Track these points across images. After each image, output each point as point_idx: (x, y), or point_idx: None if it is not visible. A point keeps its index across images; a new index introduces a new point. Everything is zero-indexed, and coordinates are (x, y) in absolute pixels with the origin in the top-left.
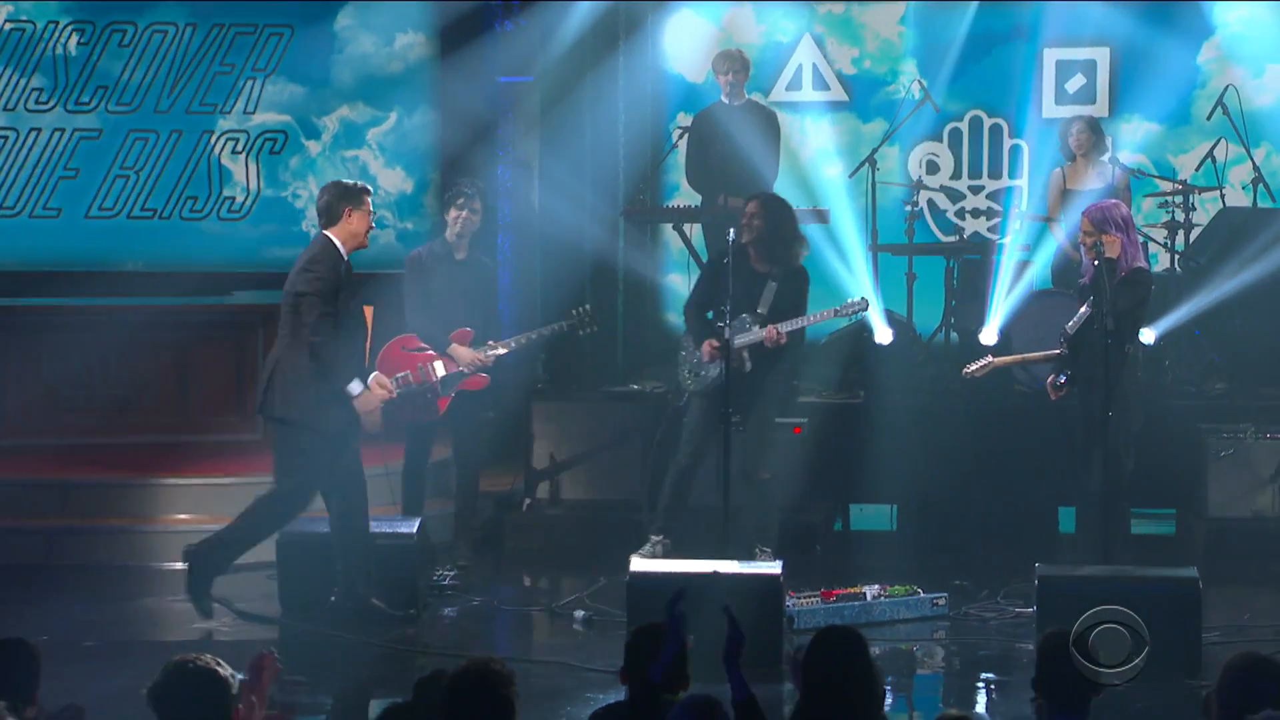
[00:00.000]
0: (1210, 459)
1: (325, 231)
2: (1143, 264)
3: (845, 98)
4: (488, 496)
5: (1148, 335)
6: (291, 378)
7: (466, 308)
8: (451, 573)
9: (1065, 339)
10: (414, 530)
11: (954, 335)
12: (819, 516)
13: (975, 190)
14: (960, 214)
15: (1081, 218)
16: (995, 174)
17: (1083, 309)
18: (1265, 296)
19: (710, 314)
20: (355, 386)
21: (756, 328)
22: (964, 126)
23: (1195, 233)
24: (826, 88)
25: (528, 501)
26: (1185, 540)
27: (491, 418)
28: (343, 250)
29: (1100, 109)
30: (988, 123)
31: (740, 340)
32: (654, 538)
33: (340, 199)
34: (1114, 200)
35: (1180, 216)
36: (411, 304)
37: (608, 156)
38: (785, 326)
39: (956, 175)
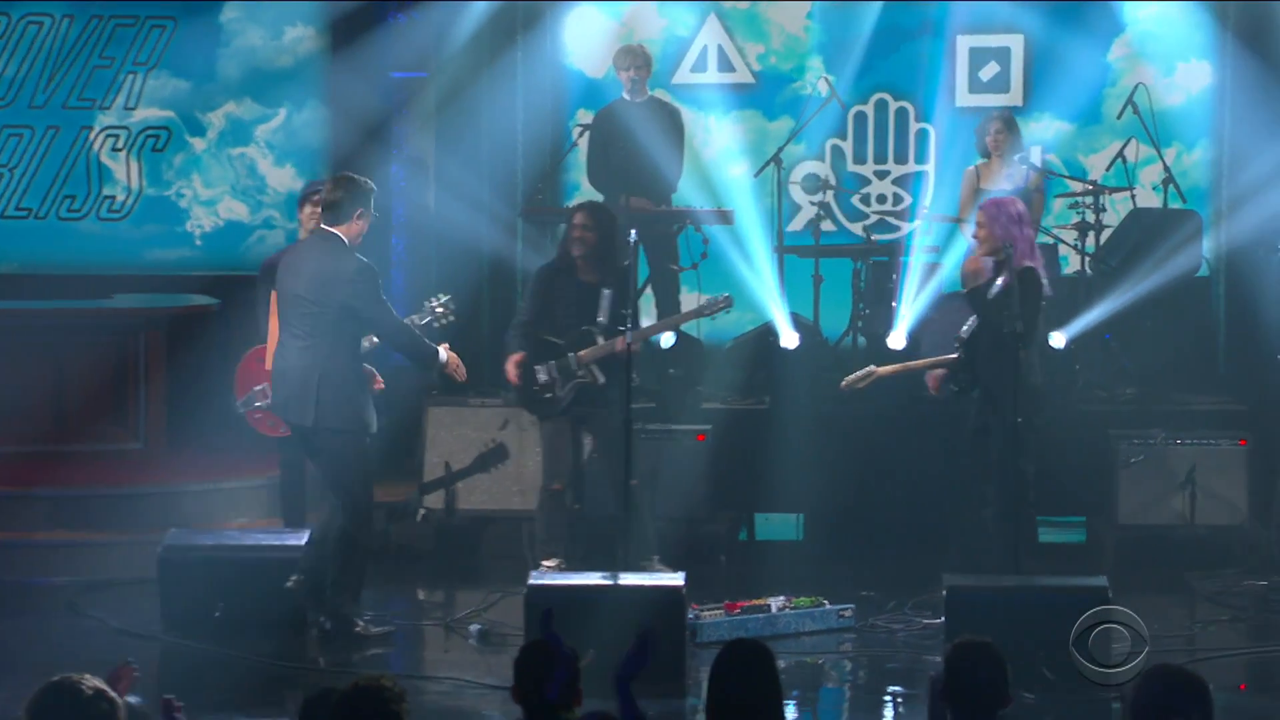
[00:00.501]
0: (1120, 466)
1: (334, 230)
2: (1032, 263)
3: (751, 80)
4: (379, 507)
5: (1058, 339)
6: (340, 386)
7: None
8: None
9: (960, 344)
10: (301, 542)
11: (861, 339)
12: (723, 526)
13: (881, 175)
14: (865, 200)
15: (977, 212)
16: (901, 159)
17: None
18: (1176, 300)
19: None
20: (443, 354)
21: (602, 339)
22: (869, 110)
23: (1106, 234)
24: (732, 69)
25: (421, 512)
26: (1095, 548)
27: (382, 423)
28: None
29: (1014, 98)
30: (893, 105)
31: (591, 354)
32: (546, 563)
33: (352, 200)
34: (1010, 198)
35: (1091, 218)
36: (263, 312)
37: (506, 154)
38: (644, 332)
39: (861, 160)
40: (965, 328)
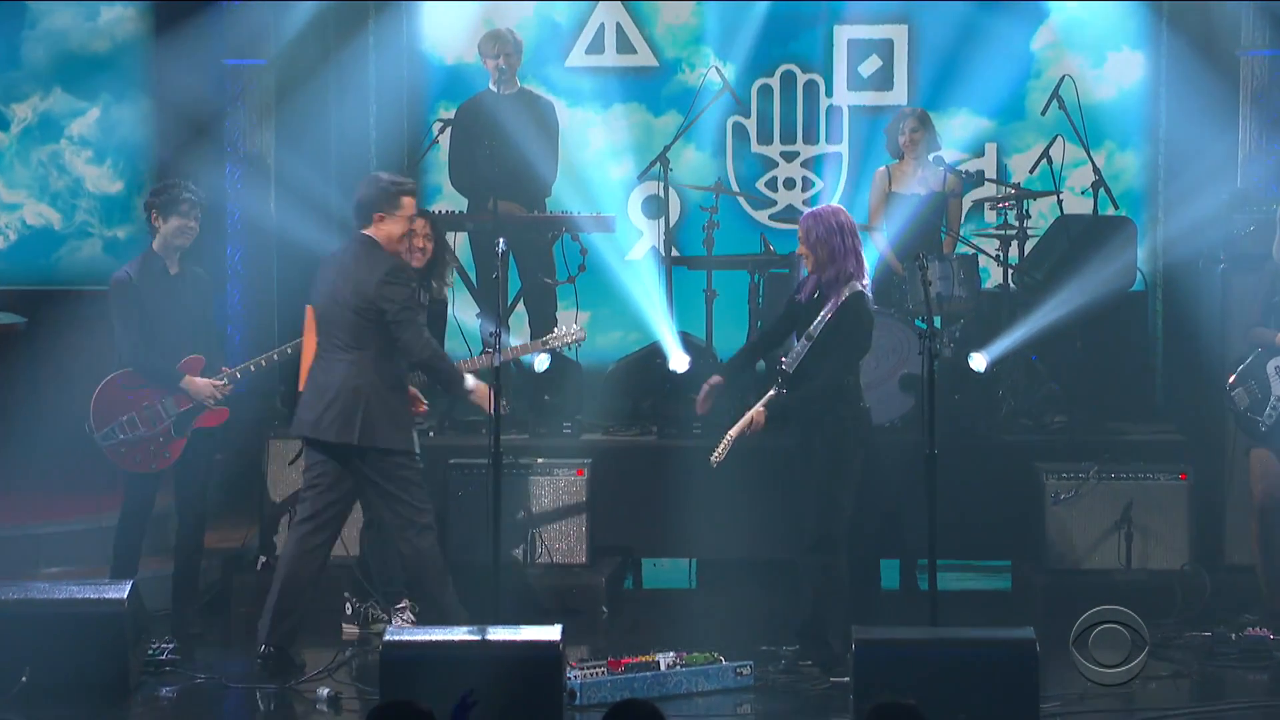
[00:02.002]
0: (1049, 503)
1: (364, 232)
2: (859, 284)
3: (655, 63)
4: (215, 554)
5: (978, 361)
6: (382, 402)
7: (190, 330)
8: (170, 645)
9: (784, 376)
10: (124, 595)
11: (760, 362)
12: (605, 573)
13: (789, 157)
14: (772, 184)
15: (799, 223)
16: (811, 139)
17: (802, 344)
18: (1109, 317)
19: None
20: (470, 381)
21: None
22: (775, 83)
23: (1031, 244)
24: (633, 50)
25: (262, 560)
26: (1022, 596)
27: (220, 460)
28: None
29: (898, 95)
30: (802, 79)
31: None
32: (397, 607)
33: (370, 202)
34: (833, 206)
35: (1014, 225)
36: (126, 335)
37: (357, 152)
38: (482, 361)
39: (766, 140)
40: (789, 357)
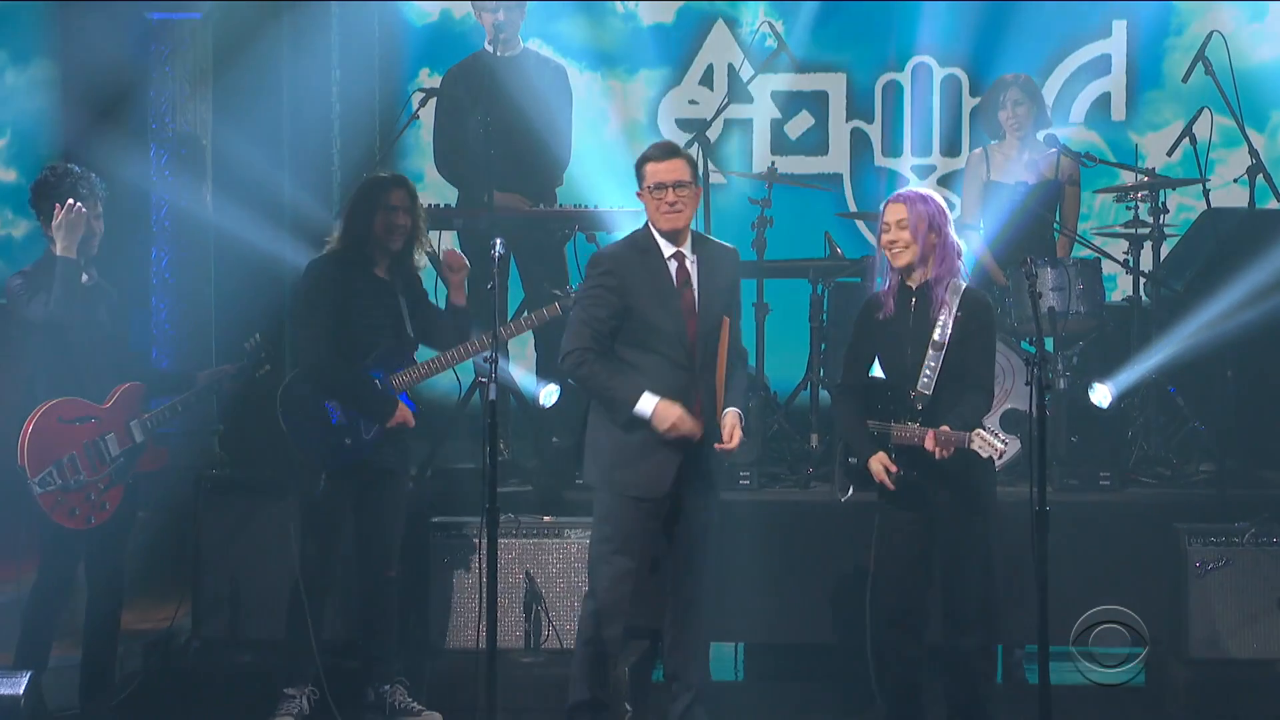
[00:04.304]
0: (1192, 575)
1: None
2: (962, 284)
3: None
4: (135, 638)
5: (1102, 394)
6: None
7: (109, 352)
8: None
9: (920, 403)
10: (19, 692)
11: (825, 394)
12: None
13: (923, 173)
14: None
15: (889, 205)
16: (954, 149)
17: (931, 357)
18: (1267, 340)
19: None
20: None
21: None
22: (905, 79)
23: (1169, 246)
24: None
25: (195, 644)
26: (1159, 693)
27: (142, 518)
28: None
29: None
30: (939, 74)
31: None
32: (287, 690)
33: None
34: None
35: (1147, 221)
36: (41, 355)
37: (316, 131)
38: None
39: (894, 151)
40: (925, 378)
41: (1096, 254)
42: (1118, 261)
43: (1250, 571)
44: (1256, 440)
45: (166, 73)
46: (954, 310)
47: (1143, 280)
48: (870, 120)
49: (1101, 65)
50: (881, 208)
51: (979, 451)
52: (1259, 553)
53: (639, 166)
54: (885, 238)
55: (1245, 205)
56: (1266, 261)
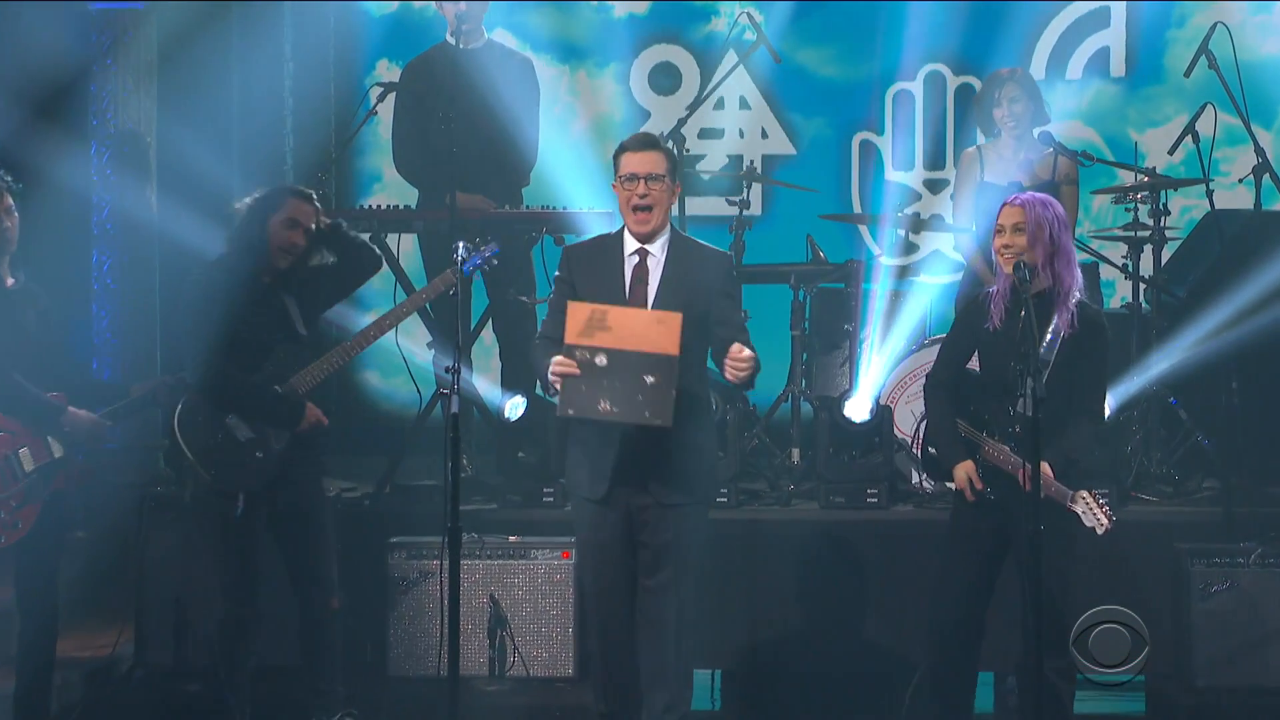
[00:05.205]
0: (1195, 598)
1: None
2: (1078, 295)
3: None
4: (74, 666)
5: None
6: None
7: (41, 359)
8: None
9: (1018, 424)
10: None
11: (806, 406)
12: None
13: (935, 187)
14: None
15: (1006, 208)
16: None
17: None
18: (1277, 347)
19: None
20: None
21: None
22: (916, 88)
23: (1170, 250)
24: None
25: (138, 672)
26: None
27: (81, 538)
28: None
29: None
30: (954, 83)
31: (312, 376)
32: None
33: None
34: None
35: (1148, 224)
36: None
37: (268, 127)
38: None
39: (905, 164)
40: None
41: (1094, 258)
42: (1116, 266)
43: (1256, 594)
44: (1263, 455)
45: (108, 66)
46: (1067, 327)
47: (1143, 286)
48: (880, 132)
49: (1100, 18)
50: (998, 210)
51: (1081, 517)
52: (1266, 574)
53: (615, 156)
54: (999, 241)
55: (1251, 207)
56: (1273, 266)
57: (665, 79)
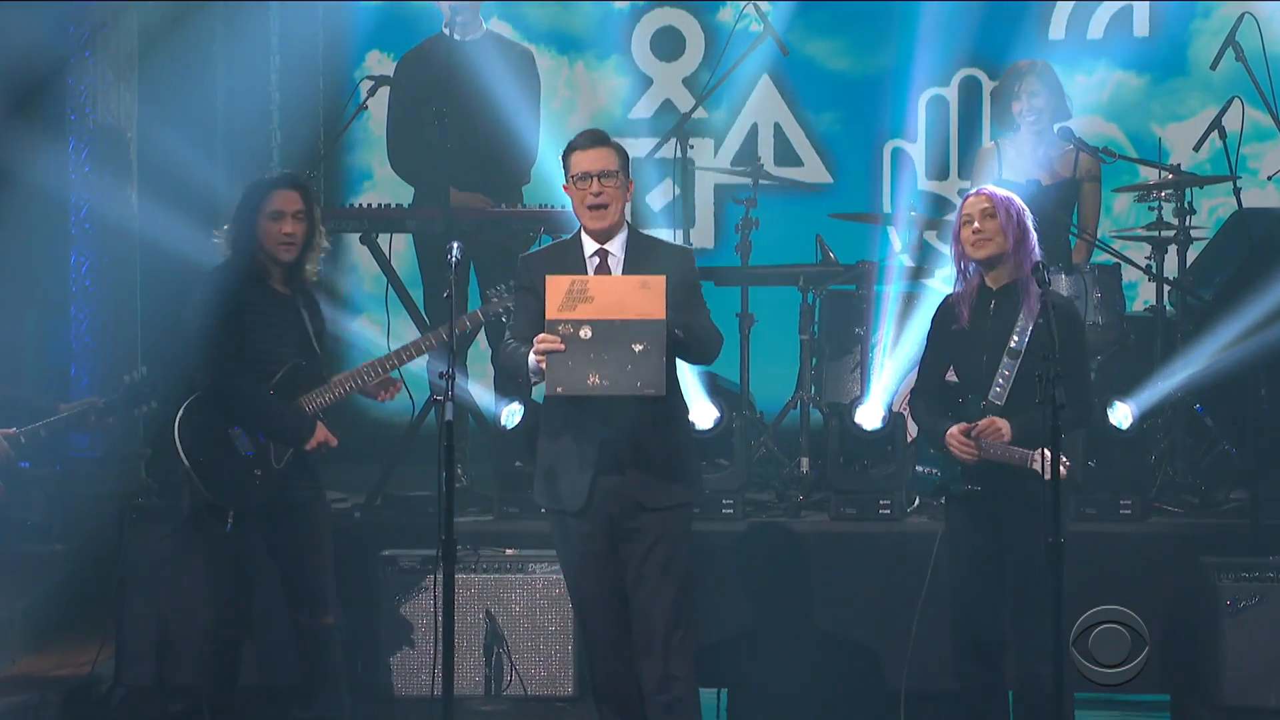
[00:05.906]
0: (1223, 614)
1: None
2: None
3: None
4: (52, 685)
5: (1122, 413)
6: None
7: None
8: None
9: (990, 414)
10: None
11: (815, 413)
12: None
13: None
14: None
15: (970, 199)
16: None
17: (1006, 365)
18: None
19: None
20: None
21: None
22: (951, 94)
23: (1196, 251)
24: None
25: (119, 692)
26: None
27: (60, 552)
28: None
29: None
30: (989, 88)
31: (324, 397)
32: None
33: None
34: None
35: (1173, 223)
36: None
37: (254, 122)
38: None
39: (940, 174)
40: (996, 387)
41: (1116, 259)
42: (1140, 267)
43: None
44: None
45: (86, 59)
46: (1035, 317)
47: (1167, 288)
48: (913, 140)
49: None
50: (960, 201)
51: (1042, 473)
52: None
53: (564, 156)
54: (968, 230)
55: None
56: None
57: (668, 45)
